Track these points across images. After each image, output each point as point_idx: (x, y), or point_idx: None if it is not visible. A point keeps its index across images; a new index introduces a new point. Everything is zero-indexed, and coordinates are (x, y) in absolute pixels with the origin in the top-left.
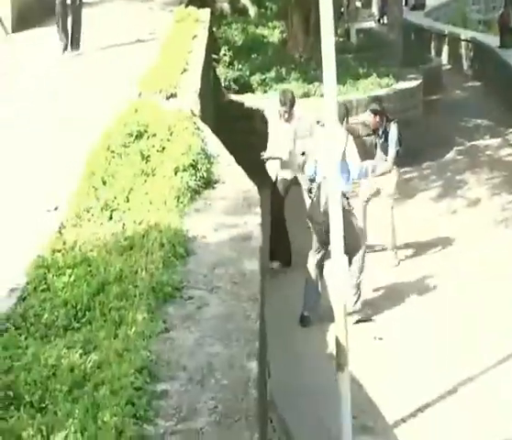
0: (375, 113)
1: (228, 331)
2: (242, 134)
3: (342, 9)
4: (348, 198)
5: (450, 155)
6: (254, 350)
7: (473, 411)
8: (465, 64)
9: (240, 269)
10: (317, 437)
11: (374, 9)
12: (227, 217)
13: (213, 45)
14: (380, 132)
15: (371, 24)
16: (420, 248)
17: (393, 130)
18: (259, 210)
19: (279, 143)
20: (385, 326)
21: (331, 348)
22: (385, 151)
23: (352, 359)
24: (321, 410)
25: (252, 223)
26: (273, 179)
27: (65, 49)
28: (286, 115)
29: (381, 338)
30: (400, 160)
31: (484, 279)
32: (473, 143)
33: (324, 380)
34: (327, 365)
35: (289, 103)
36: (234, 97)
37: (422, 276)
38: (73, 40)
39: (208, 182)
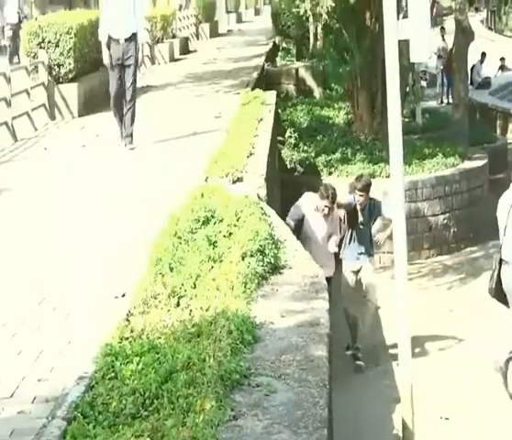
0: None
1: (297, 418)
2: None
3: (408, 89)
4: None
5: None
6: (323, 438)
7: None
8: None
9: (308, 355)
10: None
11: (439, 89)
12: (294, 303)
13: (278, 127)
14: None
15: (436, 104)
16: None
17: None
18: (326, 295)
19: (317, 240)
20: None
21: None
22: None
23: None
24: None
25: (320, 308)
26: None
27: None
28: (326, 210)
29: (447, 418)
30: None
31: None
32: None
33: None
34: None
35: (331, 197)
36: (300, 178)
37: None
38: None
39: (275, 268)
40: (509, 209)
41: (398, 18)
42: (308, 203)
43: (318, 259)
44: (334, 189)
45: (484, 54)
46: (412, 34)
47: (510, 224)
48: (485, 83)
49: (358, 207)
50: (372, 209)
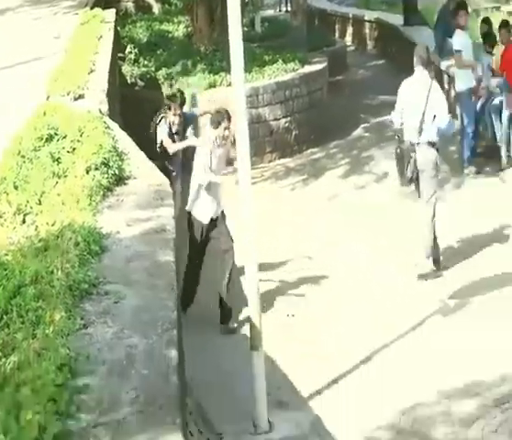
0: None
1: (146, 321)
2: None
3: None
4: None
5: (357, 133)
6: (173, 338)
7: (398, 369)
8: (369, 44)
9: (155, 261)
10: (233, 417)
11: None
12: (139, 212)
13: (119, 44)
14: None
15: (274, 12)
16: (330, 223)
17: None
18: (171, 202)
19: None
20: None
21: (245, 329)
22: None
23: (266, 338)
24: (237, 390)
25: (165, 215)
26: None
27: None
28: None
29: (293, 315)
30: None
31: (390, 247)
32: (379, 119)
33: (239, 361)
34: (242, 345)
35: (227, 120)
36: (141, 93)
37: (334, 249)
38: None
39: (120, 179)
40: (427, 94)
41: None
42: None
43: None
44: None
45: None
46: None
47: (428, 108)
48: None
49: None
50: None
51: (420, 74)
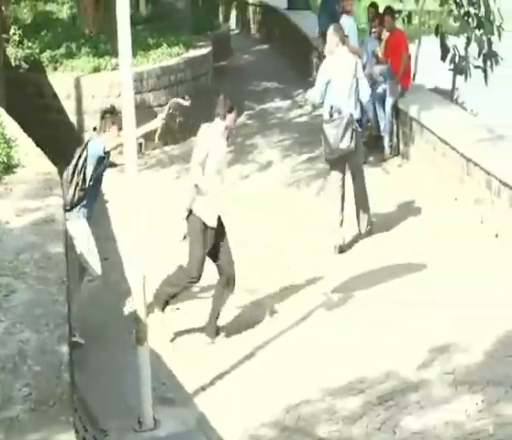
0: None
1: (38, 316)
2: (36, 112)
3: None
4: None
5: (241, 120)
6: (65, 334)
7: (283, 365)
8: (253, 28)
9: (45, 252)
10: (119, 413)
11: None
12: (29, 201)
13: (3, 25)
14: None
15: None
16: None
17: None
18: (60, 191)
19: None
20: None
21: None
22: None
23: (151, 332)
24: (122, 385)
25: (54, 205)
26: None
27: None
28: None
29: (178, 308)
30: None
31: (274, 232)
32: (263, 106)
33: (124, 356)
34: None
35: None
36: (25, 75)
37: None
38: None
39: (8, 167)
40: (354, 73)
41: None
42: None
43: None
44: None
45: None
46: None
47: (354, 86)
48: None
49: None
50: None
51: (342, 52)
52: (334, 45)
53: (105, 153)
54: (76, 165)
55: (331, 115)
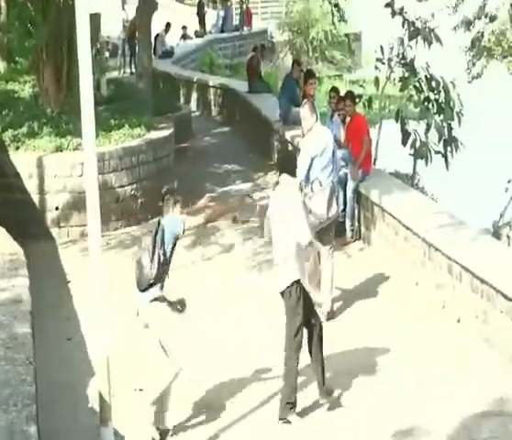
0: None
1: (6, 396)
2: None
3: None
4: None
5: (202, 202)
6: (33, 414)
7: None
8: (214, 110)
9: (12, 333)
10: None
11: (120, 59)
12: None
13: None
14: None
15: (119, 74)
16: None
17: None
18: (26, 272)
19: None
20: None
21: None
22: None
23: (115, 411)
24: None
25: (21, 285)
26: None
27: None
28: None
29: (141, 389)
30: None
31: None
32: (225, 189)
33: (88, 436)
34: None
35: None
36: None
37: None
38: None
39: None
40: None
41: None
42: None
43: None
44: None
45: (168, 24)
46: (104, 7)
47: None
48: (169, 53)
49: None
50: None
51: (320, 128)
52: (312, 122)
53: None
54: (155, 241)
55: (312, 190)
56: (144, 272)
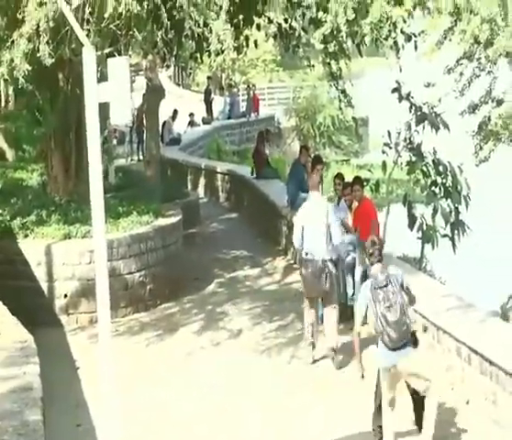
0: None
1: None
2: (7, 279)
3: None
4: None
5: (211, 288)
6: None
7: None
8: (222, 196)
9: (24, 420)
10: None
11: (128, 146)
12: (5, 369)
13: None
14: None
15: (126, 161)
16: (184, 381)
17: None
18: (36, 359)
19: None
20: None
21: None
22: None
23: None
24: None
25: (31, 373)
26: None
27: None
28: None
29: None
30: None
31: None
32: (233, 274)
33: None
34: None
35: None
36: None
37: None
38: None
39: None
40: (325, 219)
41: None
42: None
43: None
44: None
45: (175, 111)
46: (113, 97)
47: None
48: (176, 140)
49: None
50: None
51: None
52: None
53: None
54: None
55: (306, 260)
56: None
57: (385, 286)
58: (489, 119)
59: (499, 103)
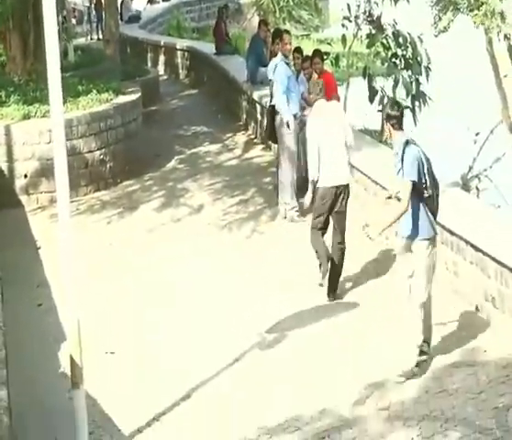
0: None
1: None
2: None
3: (58, 28)
4: None
5: (171, 164)
6: (3, 378)
7: (219, 404)
8: (182, 73)
9: None
10: None
11: (87, 25)
12: None
13: None
14: None
15: (86, 40)
16: (145, 256)
17: None
18: None
19: None
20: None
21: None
22: None
23: (87, 375)
24: (58, 429)
25: None
26: None
27: None
28: None
29: (113, 352)
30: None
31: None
32: (194, 151)
33: (60, 399)
34: (61, 383)
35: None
36: None
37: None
38: None
39: None
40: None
41: None
42: None
43: None
44: None
45: None
46: None
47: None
48: (135, 17)
49: None
50: None
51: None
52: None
53: None
54: None
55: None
56: None
57: None
58: None
59: None
